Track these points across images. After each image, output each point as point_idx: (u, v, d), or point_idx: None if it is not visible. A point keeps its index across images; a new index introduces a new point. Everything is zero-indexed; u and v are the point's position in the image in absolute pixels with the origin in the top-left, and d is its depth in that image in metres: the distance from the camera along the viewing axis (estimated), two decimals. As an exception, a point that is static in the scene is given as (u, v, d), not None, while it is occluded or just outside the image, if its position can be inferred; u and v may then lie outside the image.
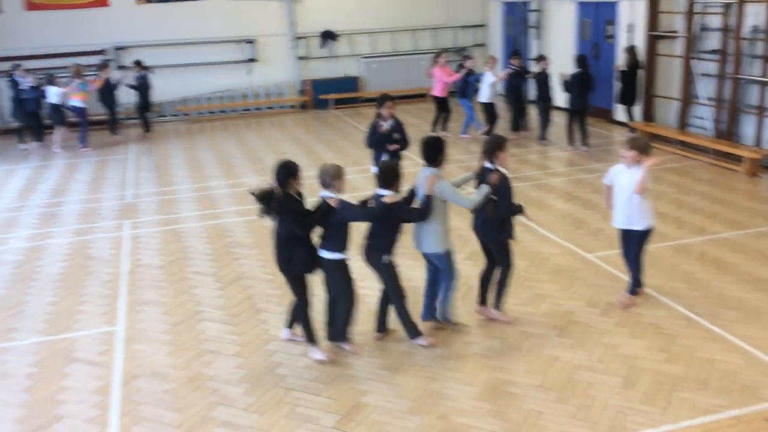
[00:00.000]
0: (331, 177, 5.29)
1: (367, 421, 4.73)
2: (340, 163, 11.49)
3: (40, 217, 9.65)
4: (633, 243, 6.14)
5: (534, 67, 12.53)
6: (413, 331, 5.68)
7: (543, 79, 12.29)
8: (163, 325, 6.26)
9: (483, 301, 6.10)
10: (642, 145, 5.98)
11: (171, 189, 10.77)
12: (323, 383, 5.21)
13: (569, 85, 11.61)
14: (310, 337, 5.55)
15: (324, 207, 5.26)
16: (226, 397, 5.09)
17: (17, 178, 11.80)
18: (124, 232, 8.81)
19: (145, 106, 14.72)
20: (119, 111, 14.87)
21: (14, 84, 13.61)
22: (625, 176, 6.02)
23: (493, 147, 5.63)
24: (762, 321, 5.85)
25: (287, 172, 5.27)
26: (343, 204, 5.26)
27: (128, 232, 8.83)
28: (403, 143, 8.09)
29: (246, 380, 5.30)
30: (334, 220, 5.29)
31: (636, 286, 6.29)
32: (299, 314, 5.55)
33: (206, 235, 8.57)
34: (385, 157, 7.82)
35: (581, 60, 11.68)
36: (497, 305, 6.01)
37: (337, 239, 5.35)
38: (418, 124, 14.20)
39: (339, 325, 5.57)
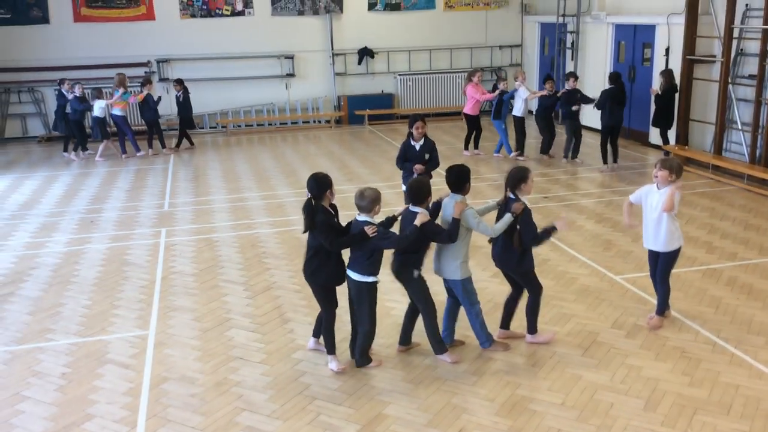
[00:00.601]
0: (369, 201, 5.36)
1: (388, 432, 4.81)
2: (373, 178, 11.73)
3: (80, 222, 9.95)
4: (660, 264, 6.15)
5: (566, 85, 12.55)
6: (439, 347, 5.74)
7: (571, 96, 12.31)
8: (193, 331, 6.42)
9: (506, 325, 6.13)
10: (674, 166, 5.98)
11: (207, 199, 11.02)
12: (346, 393, 5.30)
13: (600, 102, 11.70)
14: (331, 348, 5.65)
15: (360, 233, 5.32)
16: (251, 403, 5.21)
17: (59, 185, 12.18)
18: (161, 240, 9.04)
19: (185, 122, 15.02)
20: (161, 124, 15.13)
21: (61, 96, 14.04)
22: (655, 197, 6.04)
23: (517, 180, 5.66)
24: (790, 349, 5.80)
25: (322, 185, 5.37)
26: (380, 233, 5.33)
27: (164, 239, 9.06)
28: (434, 163, 8.17)
29: (271, 387, 5.41)
30: (371, 246, 5.36)
31: (664, 308, 6.29)
32: (323, 325, 5.65)
33: (239, 245, 8.76)
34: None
35: (614, 77, 11.77)
36: (531, 330, 6.01)
37: (371, 263, 5.42)
38: (451, 142, 14.31)
39: (360, 351, 5.63)
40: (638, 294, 6.93)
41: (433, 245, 5.68)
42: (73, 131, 14.11)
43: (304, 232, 5.40)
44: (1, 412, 5.19)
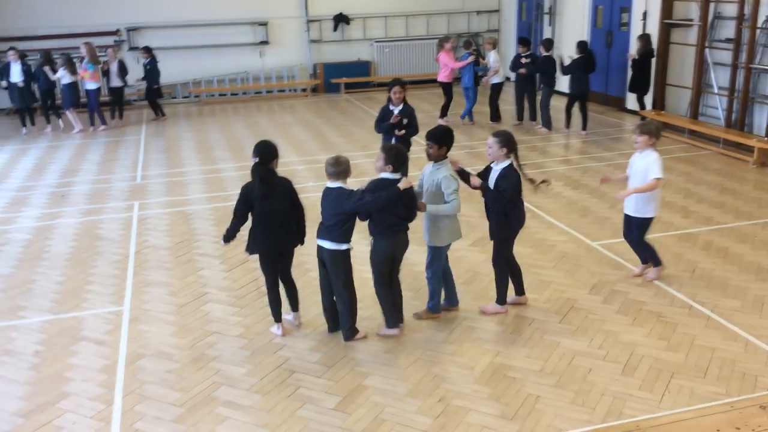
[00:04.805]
0: (347, 166, 5.29)
1: (368, 403, 4.79)
2: (349, 147, 11.62)
3: (51, 196, 9.75)
4: (633, 229, 6.29)
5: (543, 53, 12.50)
6: (387, 321, 5.68)
7: (549, 64, 12.33)
8: (168, 306, 6.34)
9: (520, 291, 6.13)
10: (652, 129, 6.05)
11: (180, 171, 10.85)
12: (325, 365, 5.27)
13: (568, 69, 11.91)
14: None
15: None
16: (229, 378, 5.16)
17: (29, 158, 11.91)
18: (134, 213, 8.89)
19: (154, 91, 14.74)
20: (125, 95, 14.85)
21: (6, 69, 13.46)
22: (637, 161, 6.10)
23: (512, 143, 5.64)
24: (764, 311, 5.86)
25: (272, 152, 5.42)
26: (353, 195, 5.23)
27: (137, 213, 8.91)
28: (413, 130, 8.09)
29: (249, 361, 5.37)
30: (344, 210, 5.24)
31: (656, 261, 6.40)
32: (288, 292, 5.79)
33: (214, 218, 8.64)
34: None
35: (583, 45, 11.97)
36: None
37: (345, 231, 5.31)
38: (429, 109, 14.18)
39: (347, 323, 5.57)
40: (615, 260, 6.95)
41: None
42: (32, 103, 13.74)
43: (265, 196, 5.32)
44: (-26, 392, 5.10)
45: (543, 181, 5.84)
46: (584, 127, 12.15)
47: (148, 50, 14.48)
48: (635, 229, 6.31)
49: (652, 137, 5.99)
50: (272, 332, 5.74)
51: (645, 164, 6.02)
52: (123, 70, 14.07)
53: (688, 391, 4.79)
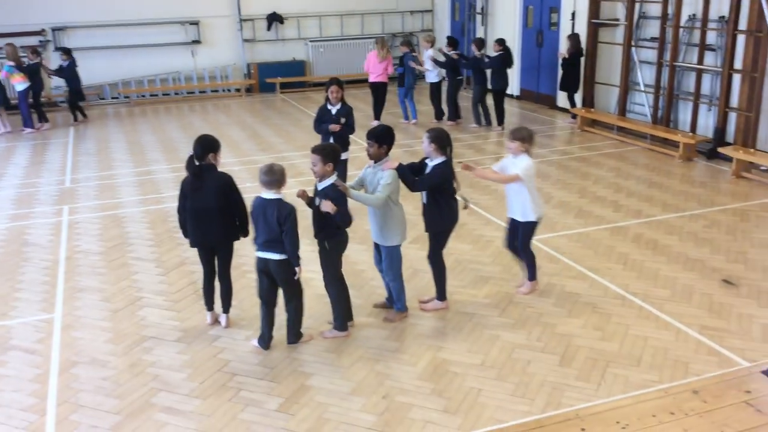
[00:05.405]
0: (281, 174, 5.08)
1: (311, 404, 4.76)
2: (286, 147, 11.50)
3: (-26, 202, 9.34)
4: (520, 233, 6.20)
5: (476, 52, 12.71)
6: (340, 324, 5.63)
7: (477, 63, 12.68)
8: (102, 312, 6.15)
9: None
10: (525, 136, 6.00)
11: (111, 173, 10.55)
12: (267, 367, 5.21)
13: (493, 65, 12.39)
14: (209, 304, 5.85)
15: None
16: (168, 383, 5.04)
17: (-51, 163, 11.39)
18: (63, 218, 8.60)
19: (76, 94, 14.25)
20: (42, 97, 14.40)
21: None
22: (510, 166, 6.08)
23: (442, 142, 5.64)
24: (692, 299, 6.09)
25: (209, 145, 5.39)
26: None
27: (67, 217, 8.62)
28: (350, 129, 8.09)
29: (188, 366, 5.26)
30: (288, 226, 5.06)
31: (533, 274, 6.32)
32: (226, 290, 5.76)
33: (148, 221, 8.43)
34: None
35: (502, 42, 12.49)
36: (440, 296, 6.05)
37: (295, 241, 5.12)
38: (366, 109, 14.18)
39: (295, 327, 5.49)
40: (550, 253, 7.11)
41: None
42: None
43: (196, 190, 5.34)
44: None
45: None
46: (500, 123, 12.67)
47: (66, 51, 14.00)
48: (521, 235, 6.20)
49: (525, 143, 5.96)
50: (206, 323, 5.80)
51: (518, 169, 5.97)
52: (29, 72, 13.49)
53: (624, 379, 4.93)
